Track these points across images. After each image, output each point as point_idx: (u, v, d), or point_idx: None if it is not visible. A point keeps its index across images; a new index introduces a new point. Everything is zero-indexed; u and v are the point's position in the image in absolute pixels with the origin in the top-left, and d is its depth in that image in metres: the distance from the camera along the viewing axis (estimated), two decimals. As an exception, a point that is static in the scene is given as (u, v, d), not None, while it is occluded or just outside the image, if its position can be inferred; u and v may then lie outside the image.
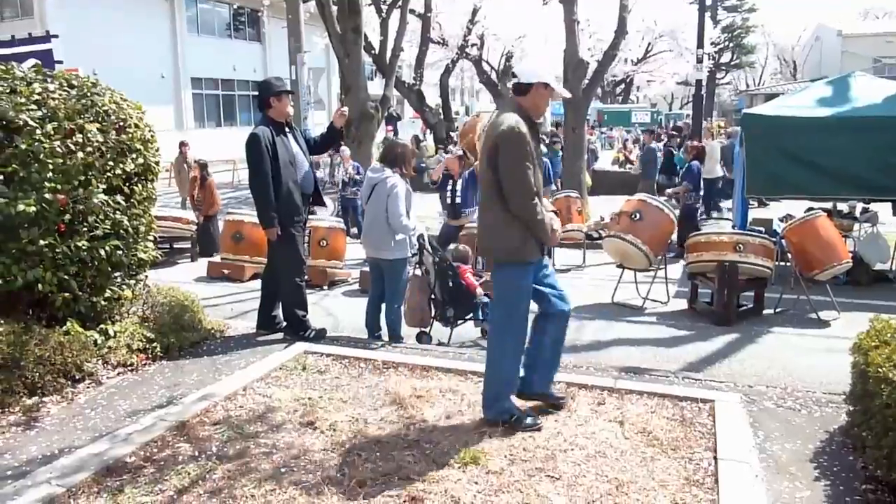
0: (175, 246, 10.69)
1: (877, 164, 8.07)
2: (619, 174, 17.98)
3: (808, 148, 8.26)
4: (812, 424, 4.22)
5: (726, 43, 42.66)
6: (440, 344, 6.14)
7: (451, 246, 7.08)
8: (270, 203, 5.62)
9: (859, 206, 9.83)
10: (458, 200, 8.53)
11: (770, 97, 23.08)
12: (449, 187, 8.52)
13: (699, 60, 10.57)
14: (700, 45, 10.61)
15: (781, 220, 9.15)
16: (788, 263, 7.77)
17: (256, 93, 5.89)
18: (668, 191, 11.78)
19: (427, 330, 6.29)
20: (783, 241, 7.68)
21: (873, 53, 34.16)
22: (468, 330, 6.43)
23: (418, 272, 6.35)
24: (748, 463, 3.67)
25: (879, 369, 3.56)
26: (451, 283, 6.15)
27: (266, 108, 5.77)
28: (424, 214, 11.02)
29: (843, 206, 10.01)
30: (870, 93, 8.46)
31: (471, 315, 6.26)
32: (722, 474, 3.53)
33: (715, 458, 3.72)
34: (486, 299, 6.28)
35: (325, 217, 9.38)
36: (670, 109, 51.39)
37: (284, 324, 6.05)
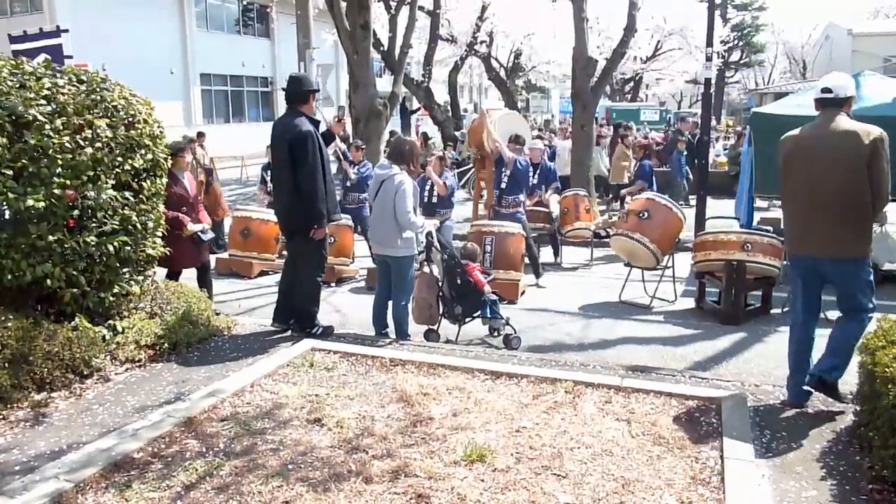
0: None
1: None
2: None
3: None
4: (819, 424, 4.22)
5: (736, 41, 42.44)
6: (448, 341, 6.14)
7: (460, 243, 7.08)
8: (323, 200, 5.69)
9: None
10: (434, 200, 8.60)
11: (780, 96, 22.96)
12: (427, 186, 8.56)
13: (708, 59, 10.50)
14: (709, 43, 10.53)
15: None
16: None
17: (291, 87, 5.82)
18: (623, 191, 11.81)
19: (435, 327, 6.29)
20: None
21: (883, 52, 33.92)
22: (476, 327, 6.43)
23: (426, 269, 6.35)
24: (754, 462, 3.67)
25: (886, 369, 3.56)
26: (459, 281, 6.15)
27: (303, 103, 5.82)
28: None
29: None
30: (879, 92, 8.41)
31: (479, 312, 6.26)
32: (728, 473, 3.53)
33: (721, 457, 3.72)
34: (493, 297, 6.28)
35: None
36: (679, 108, 51.16)
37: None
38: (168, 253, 5.91)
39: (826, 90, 4.37)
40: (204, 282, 6.87)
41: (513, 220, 8.43)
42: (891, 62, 32.55)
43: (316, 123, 5.82)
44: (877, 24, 40.89)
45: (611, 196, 14.57)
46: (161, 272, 6.40)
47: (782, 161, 4.52)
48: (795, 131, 4.55)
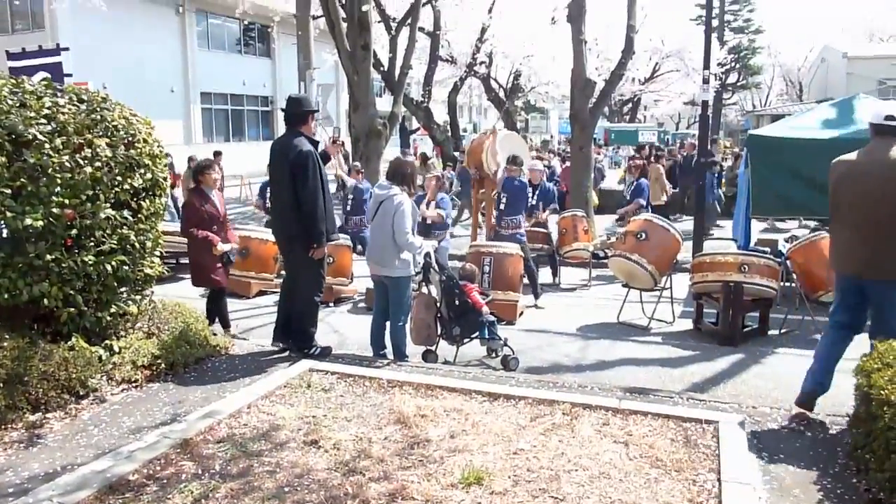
0: (181, 261, 10.71)
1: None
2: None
3: (813, 169, 8.23)
4: (816, 446, 4.21)
5: (733, 64, 42.68)
6: (446, 362, 6.13)
7: (459, 264, 7.09)
8: (323, 220, 5.72)
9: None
10: (429, 221, 8.64)
11: (776, 118, 23.11)
12: (421, 207, 8.64)
13: (705, 81, 10.57)
14: (707, 65, 10.60)
15: (787, 241, 9.13)
16: (793, 284, 7.75)
17: (291, 108, 5.87)
18: (619, 210, 11.87)
19: (433, 348, 6.28)
20: (788, 261, 7.67)
21: (878, 75, 34.18)
22: (474, 348, 6.42)
23: (424, 290, 6.35)
24: (751, 485, 3.66)
25: (882, 392, 3.56)
26: (457, 302, 6.15)
27: (303, 124, 5.87)
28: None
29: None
30: (874, 115, 8.46)
31: (477, 334, 6.25)
32: (725, 496, 3.52)
33: (719, 479, 3.71)
34: (491, 318, 6.27)
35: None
36: (677, 129, 51.41)
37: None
38: (199, 272, 6.20)
39: (890, 118, 4.51)
40: (219, 304, 6.89)
41: (513, 240, 8.45)
42: (885, 85, 32.79)
43: (315, 144, 5.85)
44: (872, 48, 41.22)
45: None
46: (159, 291, 6.40)
47: (834, 183, 4.67)
48: (851, 155, 4.67)
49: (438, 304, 6.22)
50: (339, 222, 9.30)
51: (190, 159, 14.99)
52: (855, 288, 4.61)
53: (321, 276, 6.01)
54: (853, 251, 4.52)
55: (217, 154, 14.11)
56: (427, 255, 6.07)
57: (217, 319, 6.78)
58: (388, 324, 6.14)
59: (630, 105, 40.89)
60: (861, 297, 4.60)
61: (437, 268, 6.16)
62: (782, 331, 7.48)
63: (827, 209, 8.21)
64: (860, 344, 5.41)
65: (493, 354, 6.33)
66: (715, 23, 14.45)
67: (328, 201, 5.85)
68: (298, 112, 5.86)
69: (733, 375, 6.22)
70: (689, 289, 8.04)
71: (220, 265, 6.62)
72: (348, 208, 9.92)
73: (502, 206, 8.75)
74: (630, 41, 13.24)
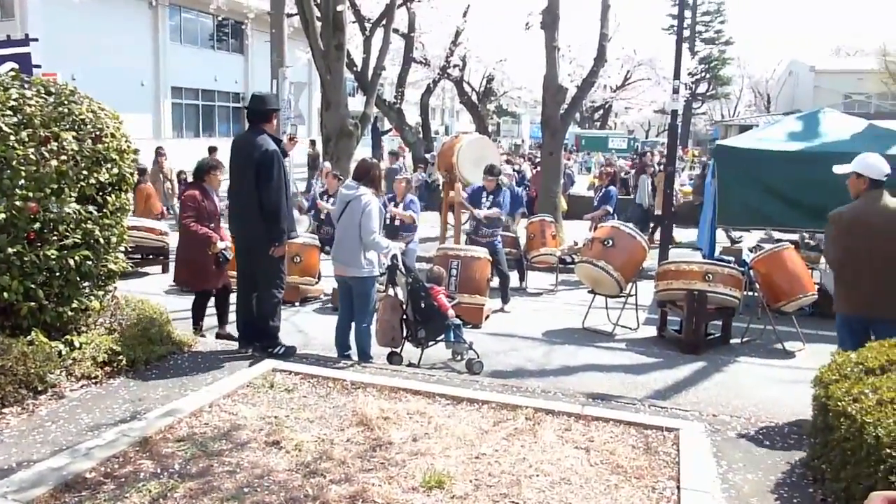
0: (146, 256, 10.59)
1: (844, 198, 8.23)
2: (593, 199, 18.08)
3: (778, 180, 8.43)
4: (774, 455, 4.28)
5: (703, 74, 43.32)
6: (410, 365, 6.13)
7: (426, 266, 7.10)
8: (286, 218, 5.77)
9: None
10: (396, 223, 8.66)
11: (744, 128, 23.50)
12: (390, 207, 8.65)
13: (675, 90, 10.71)
14: (677, 75, 10.75)
15: (751, 251, 9.29)
16: (756, 294, 7.89)
17: (255, 106, 5.83)
18: (586, 216, 11.97)
19: (398, 350, 6.28)
20: (751, 271, 7.80)
21: (844, 89, 34.97)
22: (439, 351, 6.43)
23: (390, 291, 6.35)
24: (710, 493, 3.71)
25: (839, 403, 3.64)
26: (423, 304, 6.16)
27: (267, 122, 5.85)
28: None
29: (810, 239, 10.18)
30: (838, 129, 8.66)
31: (442, 337, 6.26)
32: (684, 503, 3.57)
33: (678, 487, 3.76)
34: (458, 321, 6.29)
35: (299, 233, 9.35)
36: (647, 137, 51.99)
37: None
38: (192, 271, 6.23)
39: (888, 175, 5.04)
40: (225, 305, 6.87)
41: (489, 246, 8.52)
42: (850, 99, 33.48)
43: (279, 143, 5.84)
44: (838, 62, 42.14)
45: (652, 227, 13.63)
46: (122, 286, 6.31)
47: (838, 231, 5.03)
48: (852, 206, 5.11)
49: (404, 307, 6.22)
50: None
51: (158, 151, 14.84)
52: (863, 327, 4.91)
53: (282, 273, 5.99)
54: (862, 293, 4.87)
55: (213, 150, 14.05)
56: (394, 256, 6.06)
57: (196, 318, 6.74)
58: (353, 325, 6.12)
59: (601, 112, 41.29)
60: (866, 335, 4.81)
61: (403, 269, 6.16)
62: (744, 340, 7.61)
63: (791, 220, 8.49)
64: (820, 355, 5.54)
65: (458, 357, 6.36)
66: (686, 33, 14.64)
67: (289, 200, 5.88)
68: (262, 110, 5.83)
69: (695, 383, 6.31)
70: (653, 296, 8.13)
71: (214, 265, 6.54)
72: (322, 217, 9.86)
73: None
74: (602, 49, 13.39)
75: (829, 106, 10.07)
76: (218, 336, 6.81)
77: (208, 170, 6.79)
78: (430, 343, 6.26)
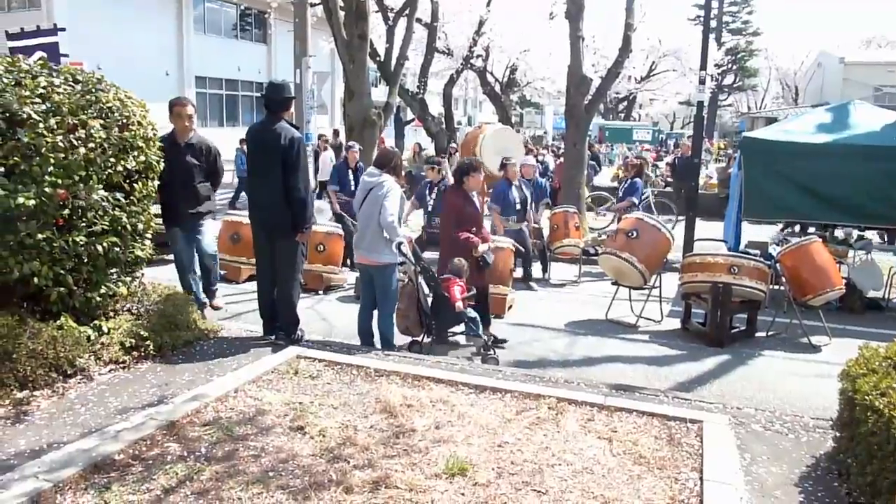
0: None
1: (873, 191, 8.15)
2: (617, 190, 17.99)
3: (806, 173, 8.33)
4: (799, 449, 4.25)
5: (729, 65, 42.86)
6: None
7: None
8: (311, 204, 5.93)
9: (854, 232, 9.88)
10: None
11: (771, 121, 23.20)
12: (433, 196, 8.95)
13: (702, 82, 10.59)
14: (703, 66, 10.62)
15: (777, 244, 9.19)
16: (782, 287, 7.81)
17: (273, 94, 5.85)
18: (612, 207, 11.90)
19: (419, 339, 6.28)
20: (778, 264, 7.72)
21: (874, 82, 34.37)
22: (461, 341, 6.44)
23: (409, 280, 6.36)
24: (733, 485, 3.69)
25: (866, 397, 3.59)
26: (432, 294, 6.13)
27: (285, 110, 5.90)
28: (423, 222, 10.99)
29: (838, 233, 10.05)
30: (869, 121, 8.53)
31: (461, 329, 6.24)
32: (707, 495, 3.55)
33: (701, 478, 3.74)
34: (472, 313, 6.24)
35: (323, 222, 9.40)
36: (672, 128, 51.60)
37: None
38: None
39: None
40: (486, 306, 6.69)
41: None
42: (881, 91, 32.93)
43: (296, 129, 5.88)
44: (868, 54, 41.39)
45: None
46: (149, 273, 6.38)
47: None
48: None
49: (419, 295, 6.21)
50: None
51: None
52: None
53: (304, 259, 6.09)
54: None
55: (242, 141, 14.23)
56: (399, 244, 5.99)
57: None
58: (375, 313, 6.15)
59: (625, 103, 40.97)
60: None
61: (410, 259, 6.12)
62: (769, 333, 7.54)
63: (819, 214, 8.40)
64: (846, 349, 5.48)
65: (477, 351, 6.30)
66: (713, 24, 14.49)
67: (309, 187, 5.97)
68: (280, 98, 5.85)
69: (719, 376, 6.27)
70: (678, 288, 8.08)
71: (475, 269, 6.48)
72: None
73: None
74: (627, 39, 13.26)
75: (859, 98, 9.90)
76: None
77: (468, 171, 6.47)
78: (444, 334, 6.24)
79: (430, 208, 9.32)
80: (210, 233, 6.97)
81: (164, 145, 5.93)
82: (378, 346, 6.09)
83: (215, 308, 7.00)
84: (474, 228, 6.51)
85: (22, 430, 4.05)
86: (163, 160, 5.79)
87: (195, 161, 6.51)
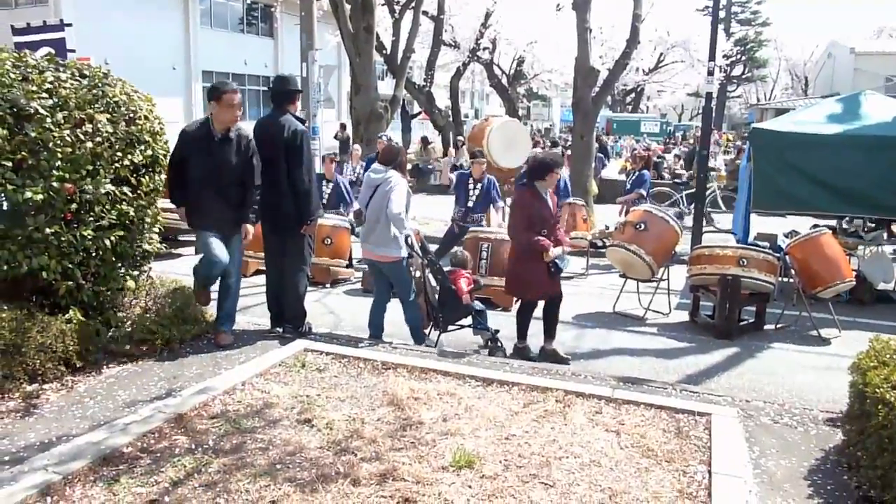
0: (180, 238, 10.71)
1: (884, 183, 8.08)
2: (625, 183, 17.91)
3: (816, 164, 8.27)
4: (808, 442, 4.23)
5: (738, 56, 42.58)
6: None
7: (453, 249, 7.08)
8: (316, 196, 5.91)
9: (865, 224, 9.81)
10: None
11: (780, 112, 23.05)
12: (471, 185, 8.91)
13: (710, 73, 10.51)
14: (712, 57, 10.54)
15: (786, 236, 9.14)
16: (791, 279, 7.77)
17: (280, 87, 5.88)
18: (619, 199, 11.85)
19: (427, 332, 6.28)
20: (787, 256, 7.68)
21: (886, 72, 34.09)
22: (468, 334, 6.43)
23: (416, 274, 6.35)
24: (742, 478, 3.68)
25: (877, 390, 3.57)
26: (439, 287, 6.13)
27: (291, 103, 5.90)
28: (430, 216, 11.03)
29: (848, 225, 9.99)
30: (880, 112, 8.46)
31: (469, 322, 6.24)
32: (715, 488, 3.54)
33: (709, 471, 3.73)
34: (479, 306, 6.24)
35: (330, 215, 9.39)
36: (680, 120, 51.36)
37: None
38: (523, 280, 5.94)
39: None
40: (554, 314, 6.21)
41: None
42: (892, 81, 32.66)
43: (302, 122, 5.89)
44: (880, 44, 41.03)
45: None
46: (157, 267, 6.39)
47: None
48: None
49: (426, 289, 6.21)
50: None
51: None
52: None
53: (311, 252, 6.06)
54: None
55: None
56: (407, 237, 5.98)
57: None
58: (388, 307, 6.18)
59: (633, 95, 40.80)
60: None
61: (418, 252, 6.12)
62: (778, 326, 7.50)
63: (829, 206, 8.34)
64: (856, 342, 5.45)
65: (481, 345, 6.30)
66: (722, 14, 14.37)
67: (313, 181, 5.93)
68: (286, 90, 5.86)
69: (728, 369, 6.24)
70: (686, 281, 8.05)
71: (546, 274, 6.01)
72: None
73: (470, 204, 8.85)
74: (635, 30, 13.19)
75: (870, 89, 9.80)
76: (542, 352, 6.19)
77: (550, 169, 6.00)
78: (451, 328, 6.24)
79: (469, 203, 8.93)
80: (240, 250, 5.93)
81: (196, 137, 5.43)
82: (387, 339, 6.08)
83: (220, 344, 5.64)
84: (545, 231, 5.94)
85: (31, 423, 4.07)
86: (196, 155, 5.37)
87: (235, 158, 5.54)
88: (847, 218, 9.54)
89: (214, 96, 5.48)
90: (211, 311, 6.09)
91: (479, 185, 8.83)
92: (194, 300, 5.82)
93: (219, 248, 5.45)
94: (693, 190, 13.66)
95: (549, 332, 6.18)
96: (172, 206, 5.75)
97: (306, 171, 5.69)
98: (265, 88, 33.14)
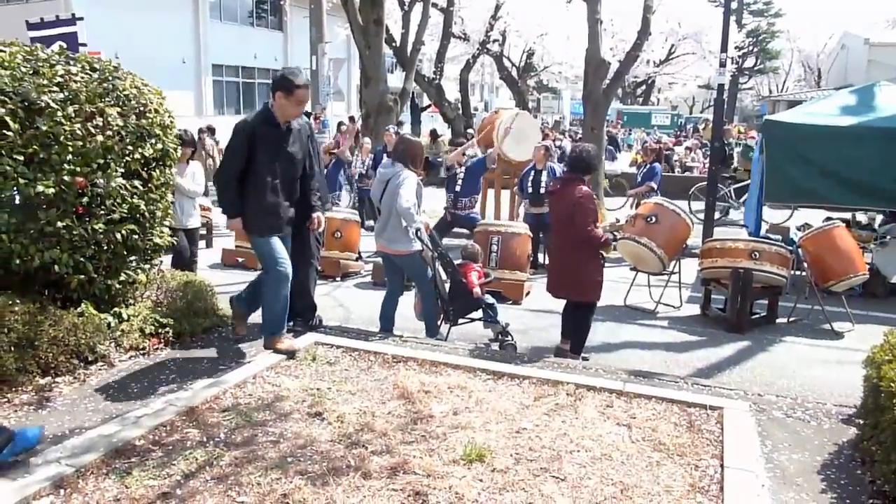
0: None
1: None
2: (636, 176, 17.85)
3: (829, 157, 8.19)
4: (821, 436, 4.20)
5: (751, 47, 42.27)
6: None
7: (465, 243, 7.06)
8: (324, 189, 5.98)
9: (878, 217, 9.74)
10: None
11: (793, 104, 22.88)
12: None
13: (722, 64, 10.43)
14: (724, 48, 10.45)
15: (799, 229, 9.08)
16: (804, 273, 7.72)
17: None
18: (630, 191, 11.77)
19: (437, 324, 6.27)
20: (799, 250, 7.63)
21: (900, 63, 33.75)
22: (478, 327, 6.42)
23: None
24: (754, 472, 3.66)
25: (891, 384, 3.55)
26: (450, 280, 6.12)
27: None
28: (439, 209, 10.98)
29: (861, 218, 9.91)
30: (895, 103, 8.37)
31: (480, 316, 6.22)
32: (727, 482, 3.52)
33: (721, 465, 3.71)
34: (490, 299, 6.22)
35: (340, 209, 9.40)
36: (691, 112, 51.08)
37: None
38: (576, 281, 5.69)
39: None
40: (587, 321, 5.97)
41: (468, 220, 8.66)
42: (906, 73, 32.26)
43: (308, 115, 5.90)
44: (894, 35, 40.57)
45: None
46: (168, 261, 6.41)
47: None
48: None
49: (436, 282, 6.20)
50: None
51: (201, 130, 14.99)
52: None
53: (319, 246, 6.07)
54: None
55: (202, 131, 14.15)
56: (417, 230, 5.97)
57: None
58: (400, 300, 6.20)
59: (644, 87, 40.59)
60: None
61: (428, 245, 6.10)
62: (791, 319, 7.46)
63: (842, 198, 8.27)
64: (870, 336, 5.41)
65: (491, 338, 6.28)
66: (734, 5, 14.26)
67: (321, 172, 5.98)
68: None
69: (739, 362, 6.21)
70: (697, 274, 8.01)
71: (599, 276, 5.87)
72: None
73: (458, 189, 8.80)
74: (646, 22, 13.10)
75: (885, 80, 9.70)
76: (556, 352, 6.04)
77: (594, 168, 5.93)
78: (461, 322, 6.23)
79: (457, 188, 8.86)
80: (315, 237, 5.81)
81: (266, 132, 5.15)
82: (397, 332, 6.08)
83: (280, 350, 5.22)
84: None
85: (45, 416, 4.10)
86: (267, 150, 5.12)
87: (304, 147, 5.39)
88: (861, 211, 9.46)
89: (284, 89, 5.07)
90: (223, 306, 6.10)
91: (463, 171, 8.81)
92: (233, 328, 5.69)
93: (286, 254, 5.25)
94: (741, 183, 13.62)
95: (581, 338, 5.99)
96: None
97: (318, 161, 5.73)
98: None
